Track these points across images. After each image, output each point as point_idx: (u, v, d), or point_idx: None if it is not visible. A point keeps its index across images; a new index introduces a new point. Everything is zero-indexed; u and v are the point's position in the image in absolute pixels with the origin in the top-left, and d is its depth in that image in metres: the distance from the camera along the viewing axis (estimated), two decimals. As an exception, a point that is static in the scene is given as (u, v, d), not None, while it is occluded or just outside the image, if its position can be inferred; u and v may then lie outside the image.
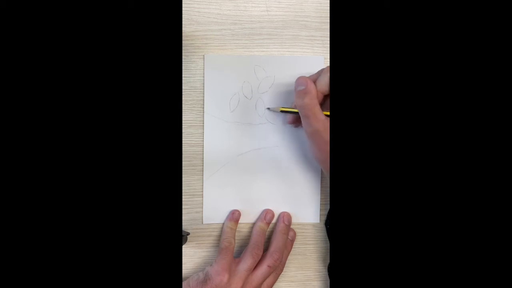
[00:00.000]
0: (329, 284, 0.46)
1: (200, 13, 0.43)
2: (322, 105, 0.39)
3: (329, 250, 0.46)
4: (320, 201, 0.45)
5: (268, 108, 0.44)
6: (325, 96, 0.39)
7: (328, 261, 0.46)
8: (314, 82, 0.39)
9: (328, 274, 0.45)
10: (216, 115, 0.44)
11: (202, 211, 0.44)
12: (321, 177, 0.45)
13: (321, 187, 0.45)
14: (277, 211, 0.45)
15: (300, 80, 0.39)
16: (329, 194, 0.45)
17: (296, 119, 0.42)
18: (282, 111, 0.42)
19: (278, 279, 0.44)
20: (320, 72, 0.39)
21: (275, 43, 0.44)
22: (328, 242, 0.45)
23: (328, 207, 0.46)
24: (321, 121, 0.37)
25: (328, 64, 0.44)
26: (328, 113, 0.38)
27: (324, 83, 0.38)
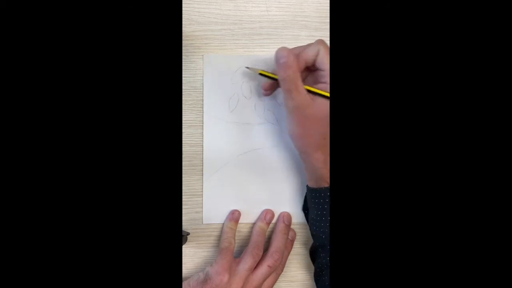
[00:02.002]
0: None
1: (200, 13, 0.43)
2: (304, 79, 0.39)
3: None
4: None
5: (247, 67, 0.43)
6: (307, 68, 0.39)
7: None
8: (298, 54, 0.37)
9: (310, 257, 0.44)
10: (216, 115, 0.44)
11: (202, 211, 0.44)
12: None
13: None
14: (277, 211, 0.45)
15: (282, 52, 0.37)
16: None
17: (271, 87, 0.42)
18: (261, 74, 0.41)
19: (278, 279, 0.44)
20: (310, 45, 0.38)
21: (275, 43, 0.44)
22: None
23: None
24: (302, 95, 0.37)
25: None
26: (310, 88, 0.37)
27: (312, 54, 0.37)
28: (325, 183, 0.39)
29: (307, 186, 0.42)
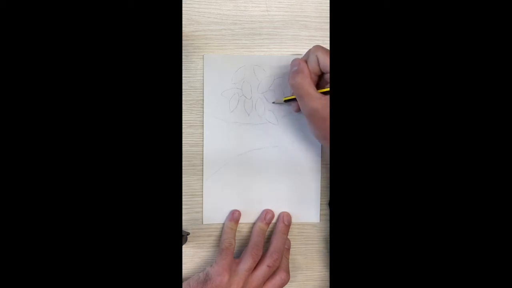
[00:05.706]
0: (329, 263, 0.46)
1: (200, 13, 0.43)
2: (317, 84, 0.40)
3: (329, 251, 0.46)
4: (320, 201, 0.45)
5: (273, 102, 0.44)
6: (319, 76, 0.40)
7: (328, 262, 0.46)
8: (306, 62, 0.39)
9: (329, 207, 0.45)
10: (216, 115, 0.44)
11: (202, 211, 0.44)
12: (321, 177, 0.45)
13: (321, 187, 0.45)
14: (277, 211, 0.45)
15: (294, 61, 0.39)
16: (329, 194, 0.45)
17: (298, 106, 0.42)
18: (285, 101, 0.43)
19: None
20: (308, 53, 0.39)
21: (275, 43, 0.44)
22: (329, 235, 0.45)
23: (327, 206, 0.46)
24: (316, 99, 0.37)
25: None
26: (325, 89, 0.38)
27: (314, 62, 0.38)
28: None
29: None
